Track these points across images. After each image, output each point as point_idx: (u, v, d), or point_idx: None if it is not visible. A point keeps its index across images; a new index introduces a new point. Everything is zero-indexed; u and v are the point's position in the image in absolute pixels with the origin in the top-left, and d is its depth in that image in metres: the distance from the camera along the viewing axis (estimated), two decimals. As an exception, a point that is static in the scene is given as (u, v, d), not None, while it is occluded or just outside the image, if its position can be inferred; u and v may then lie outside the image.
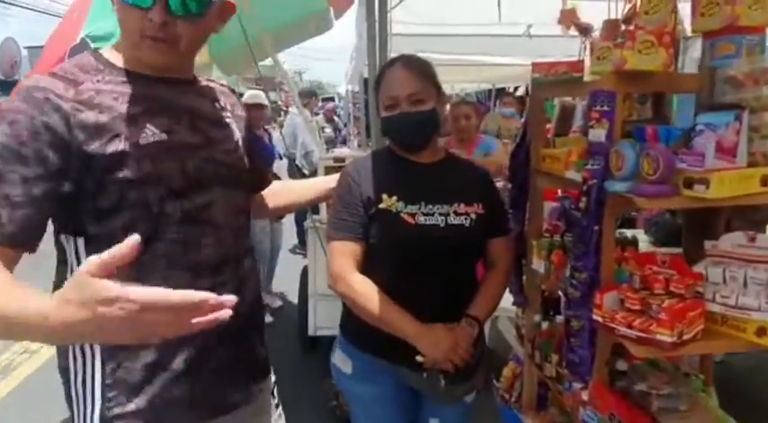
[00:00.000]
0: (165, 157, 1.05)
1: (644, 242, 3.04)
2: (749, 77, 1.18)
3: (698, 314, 1.21)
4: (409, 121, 1.52)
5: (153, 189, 1.03)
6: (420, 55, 1.64)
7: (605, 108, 1.29)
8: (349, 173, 1.55)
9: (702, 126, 1.17)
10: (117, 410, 1.04)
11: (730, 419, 1.40)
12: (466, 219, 1.53)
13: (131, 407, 1.05)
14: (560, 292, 1.72)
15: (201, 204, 1.10)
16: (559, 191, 2.00)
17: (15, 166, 0.92)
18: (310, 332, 3.31)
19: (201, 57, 3.75)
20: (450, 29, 5.00)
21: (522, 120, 1.90)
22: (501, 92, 12.15)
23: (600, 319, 1.28)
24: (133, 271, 0.73)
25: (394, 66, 1.55)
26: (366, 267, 1.50)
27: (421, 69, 1.55)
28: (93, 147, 0.98)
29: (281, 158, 5.74)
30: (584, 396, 1.46)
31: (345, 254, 1.48)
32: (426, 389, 1.54)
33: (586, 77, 1.47)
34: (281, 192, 1.54)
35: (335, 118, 11.66)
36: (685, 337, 1.19)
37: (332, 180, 1.62)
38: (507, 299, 2.06)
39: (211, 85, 1.28)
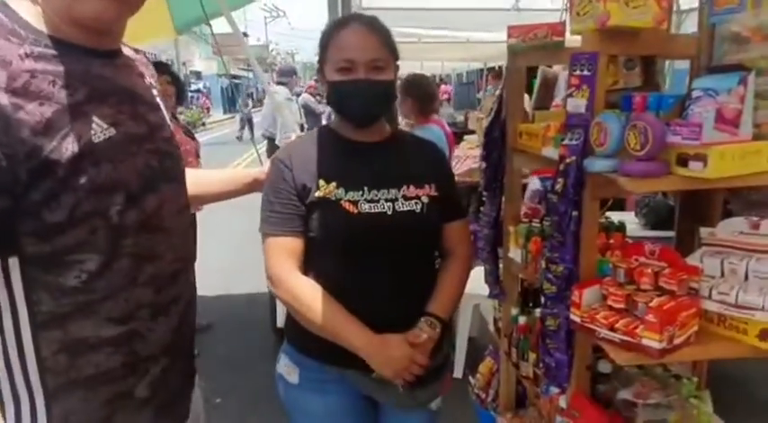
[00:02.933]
0: (121, 156, 0.86)
1: (634, 225, 2.86)
2: (757, 33, 0.99)
3: (691, 314, 1.03)
4: (367, 90, 1.30)
5: (111, 196, 0.84)
6: (402, 31, 1.43)
7: (586, 72, 1.09)
8: (280, 159, 1.34)
9: (700, 92, 0.98)
10: None
11: (725, 428, 1.24)
12: (417, 203, 1.33)
13: None
14: (538, 284, 1.54)
15: (154, 207, 0.93)
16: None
17: None
18: (279, 324, 3.16)
19: (165, 31, 3.52)
20: (433, 2, 4.74)
21: (497, 92, 1.70)
22: (492, 71, 11.88)
23: (578, 320, 1.11)
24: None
25: (351, 25, 1.33)
26: (307, 265, 1.31)
27: (384, 33, 1.34)
28: (45, 152, 0.77)
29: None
30: (562, 403, 1.30)
31: (282, 252, 1.29)
32: (382, 396, 1.36)
33: (568, 36, 1.27)
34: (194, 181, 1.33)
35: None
36: (676, 341, 1.01)
37: (256, 173, 1.45)
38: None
39: (129, 52, 1.05)
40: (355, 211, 1.27)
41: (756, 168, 0.97)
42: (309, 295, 1.27)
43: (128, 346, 0.89)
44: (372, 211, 1.29)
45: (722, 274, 1.10)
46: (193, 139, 3.55)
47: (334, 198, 1.27)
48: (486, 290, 1.80)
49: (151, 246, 0.92)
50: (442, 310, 1.34)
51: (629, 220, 2.42)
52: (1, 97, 0.73)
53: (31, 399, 0.84)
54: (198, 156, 3.48)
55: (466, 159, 4.17)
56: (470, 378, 2.00)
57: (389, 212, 1.30)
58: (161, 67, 3.06)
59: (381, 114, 1.39)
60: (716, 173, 0.93)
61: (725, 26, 1.05)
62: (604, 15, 1.04)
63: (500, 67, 9.22)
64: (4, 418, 0.85)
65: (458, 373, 2.84)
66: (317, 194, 1.28)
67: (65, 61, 0.82)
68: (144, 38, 3.24)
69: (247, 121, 14.06)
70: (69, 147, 0.78)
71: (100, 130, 0.82)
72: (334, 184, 1.28)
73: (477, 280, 1.69)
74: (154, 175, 0.93)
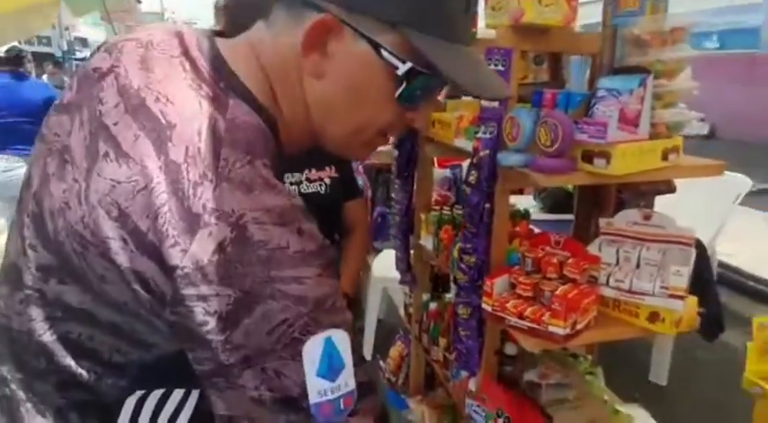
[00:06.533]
0: None
1: (533, 208, 3.02)
2: (655, 37, 1.05)
3: (592, 301, 1.10)
4: None
5: None
6: None
7: (500, 67, 1.11)
8: None
9: (604, 91, 1.03)
10: None
11: (616, 401, 1.35)
12: (320, 185, 1.46)
13: None
14: (449, 271, 1.58)
15: None
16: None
17: None
18: None
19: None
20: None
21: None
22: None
23: (489, 308, 1.14)
24: None
25: None
26: None
27: None
28: None
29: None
30: (472, 386, 1.34)
31: None
32: None
33: (480, 30, 1.29)
34: None
35: None
36: (578, 326, 1.08)
37: None
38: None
39: None
40: None
41: (651, 165, 1.05)
42: None
43: None
44: None
45: (617, 262, 1.18)
46: None
47: None
48: (394, 273, 1.82)
49: None
50: (346, 283, 1.48)
51: (528, 204, 2.55)
52: None
53: None
54: None
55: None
56: (381, 362, 2.03)
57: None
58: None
59: None
60: (618, 170, 0.98)
61: (627, 29, 1.11)
62: (519, 12, 1.06)
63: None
64: None
65: (367, 354, 2.87)
66: None
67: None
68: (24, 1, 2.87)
69: None
70: None
71: None
72: None
73: (386, 263, 1.71)
74: None
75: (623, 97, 1.00)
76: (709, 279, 2.64)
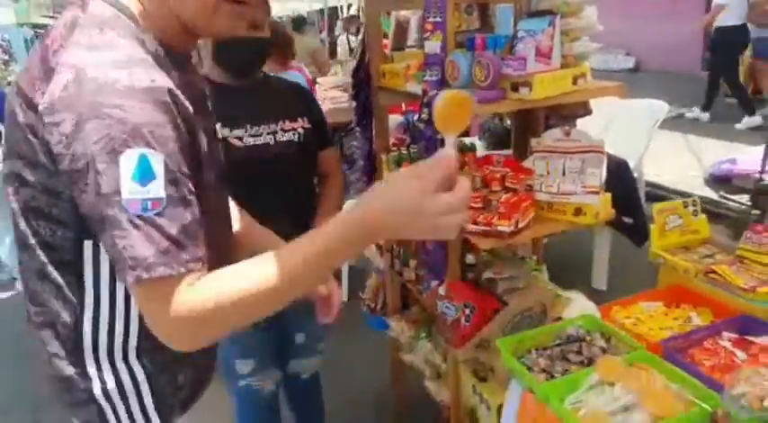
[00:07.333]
0: (211, 154, 0.93)
1: (479, 147, 3.31)
2: (559, -16, 1.29)
3: (529, 204, 1.37)
4: (248, 46, 1.49)
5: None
6: None
7: (438, 19, 1.33)
8: None
9: (523, 32, 1.27)
10: None
11: (557, 288, 1.65)
12: (294, 134, 1.59)
13: None
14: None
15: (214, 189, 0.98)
16: (403, 105, 2.06)
17: None
18: None
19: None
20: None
21: (360, 37, 1.89)
22: (334, 11, 11.85)
23: (449, 221, 1.39)
24: None
25: None
26: None
27: None
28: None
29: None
30: (441, 291, 1.61)
31: None
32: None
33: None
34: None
35: None
36: (520, 225, 1.34)
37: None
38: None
39: None
40: (241, 144, 1.49)
41: (564, 89, 1.30)
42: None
43: None
44: (256, 143, 1.53)
45: (548, 172, 1.45)
46: None
47: (221, 137, 1.43)
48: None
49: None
50: (324, 222, 1.62)
51: (475, 143, 2.82)
52: (181, 103, 0.79)
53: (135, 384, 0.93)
54: None
55: (324, 101, 4.34)
56: (360, 293, 2.28)
57: (272, 143, 1.56)
58: None
59: (259, 65, 1.54)
60: (538, 95, 1.24)
61: (537, -22, 1.35)
62: (448, -30, 1.27)
63: (349, 7, 9.31)
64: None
65: (344, 297, 3.14)
66: None
67: (174, 72, 0.85)
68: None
69: None
70: (203, 142, 0.87)
71: (201, 138, 0.88)
72: (219, 124, 1.42)
73: None
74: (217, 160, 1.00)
75: (537, 36, 1.24)
76: (634, 194, 3.01)
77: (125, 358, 0.90)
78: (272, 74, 1.86)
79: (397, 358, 2.09)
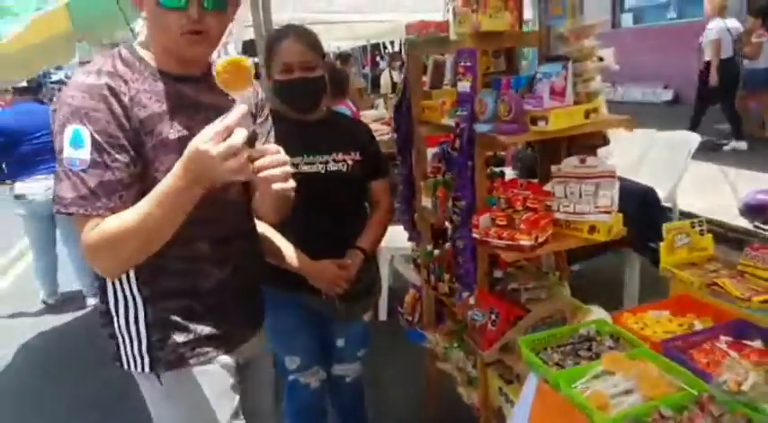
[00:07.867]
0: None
1: (512, 175, 3.50)
2: (572, 34, 1.51)
3: (548, 222, 1.56)
4: (302, 85, 1.74)
5: None
6: (294, 19, 1.83)
7: (468, 63, 1.57)
8: None
9: (541, 75, 1.49)
10: (161, 344, 1.25)
11: (578, 302, 1.81)
12: (343, 164, 1.83)
13: (173, 341, 1.26)
14: (446, 222, 2.04)
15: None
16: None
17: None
18: None
19: (61, 27, 3.55)
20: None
21: (402, 76, 2.15)
22: (375, 47, 12.38)
23: (478, 237, 1.60)
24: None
25: (287, 37, 1.72)
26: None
27: (309, 40, 1.75)
28: (138, 142, 1.18)
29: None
30: (472, 301, 1.80)
31: None
32: (326, 310, 1.83)
33: (452, 37, 1.74)
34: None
35: None
36: (540, 240, 1.54)
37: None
38: (402, 241, 2.39)
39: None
40: (294, 170, 1.73)
41: (577, 122, 1.51)
42: (269, 234, 1.69)
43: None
44: (310, 170, 1.79)
45: (565, 195, 1.64)
46: None
47: None
48: (398, 244, 2.28)
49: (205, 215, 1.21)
50: (366, 243, 1.87)
51: (508, 173, 3.03)
52: (126, 99, 1.15)
53: (134, 300, 1.25)
54: None
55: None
56: (399, 308, 2.48)
57: (323, 171, 1.81)
58: None
59: (318, 102, 1.80)
60: (554, 127, 1.45)
61: (555, 28, 1.57)
62: (477, 23, 1.52)
63: (391, 44, 9.76)
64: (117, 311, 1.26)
65: (383, 316, 3.35)
66: None
67: (160, 84, 1.20)
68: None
69: None
70: (151, 140, 1.16)
71: (176, 130, 1.18)
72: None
73: (391, 237, 2.15)
74: None
75: (553, 78, 1.46)
76: (661, 221, 3.12)
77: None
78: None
79: (433, 367, 2.27)
